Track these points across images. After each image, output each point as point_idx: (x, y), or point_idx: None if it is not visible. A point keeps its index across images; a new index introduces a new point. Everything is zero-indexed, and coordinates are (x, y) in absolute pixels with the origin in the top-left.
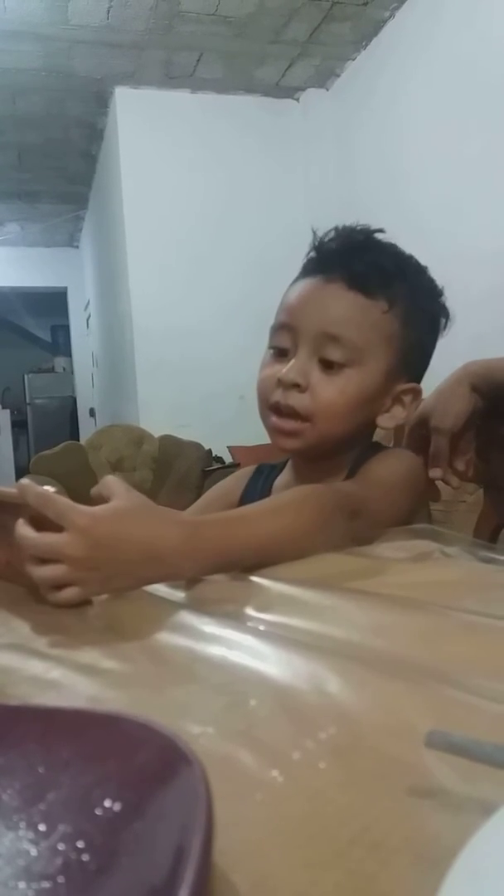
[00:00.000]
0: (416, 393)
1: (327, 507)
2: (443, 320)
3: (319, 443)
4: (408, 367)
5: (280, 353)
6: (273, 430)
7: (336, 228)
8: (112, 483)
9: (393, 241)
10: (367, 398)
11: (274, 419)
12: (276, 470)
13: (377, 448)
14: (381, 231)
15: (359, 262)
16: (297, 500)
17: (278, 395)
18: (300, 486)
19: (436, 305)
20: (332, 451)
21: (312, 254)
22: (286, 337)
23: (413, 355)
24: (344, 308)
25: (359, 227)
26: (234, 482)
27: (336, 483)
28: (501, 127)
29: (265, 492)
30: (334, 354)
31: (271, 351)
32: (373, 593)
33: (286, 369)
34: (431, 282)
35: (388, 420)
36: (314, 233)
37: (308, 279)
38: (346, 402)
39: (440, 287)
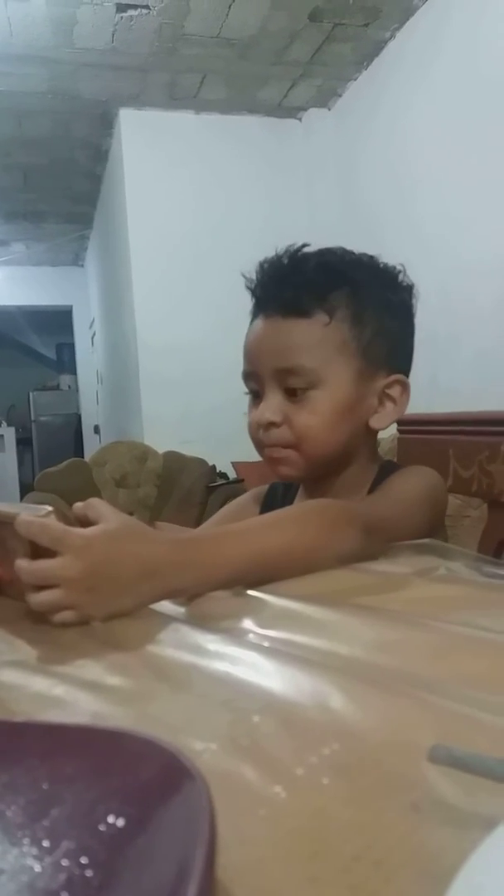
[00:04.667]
0: (403, 384)
1: (335, 522)
2: (405, 301)
3: (312, 465)
4: (379, 361)
5: (255, 396)
6: (268, 462)
7: (261, 264)
8: (98, 505)
9: (330, 247)
10: (343, 409)
11: (266, 451)
12: (292, 488)
13: (396, 466)
14: (305, 245)
15: (285, 288)
16: (301, 514)
17: (263, 437)
18: (307, 501)
19: (387, 290)
20: (335, 468)
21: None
22: (252, 382)
23: (378, 348)
24: (286, 338)
25: (281, 254)
26: (250, 501)
27: (353, 500)
28: (502, 143)
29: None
30: (296, 382)
31: (249, 395)
32: (377, 609)
33: (258, 412)
34: (378, 269)
35: (381, 419)
36: (244, 276)
37: (255, 322)
38: (322, 422)
39: (394, 267)
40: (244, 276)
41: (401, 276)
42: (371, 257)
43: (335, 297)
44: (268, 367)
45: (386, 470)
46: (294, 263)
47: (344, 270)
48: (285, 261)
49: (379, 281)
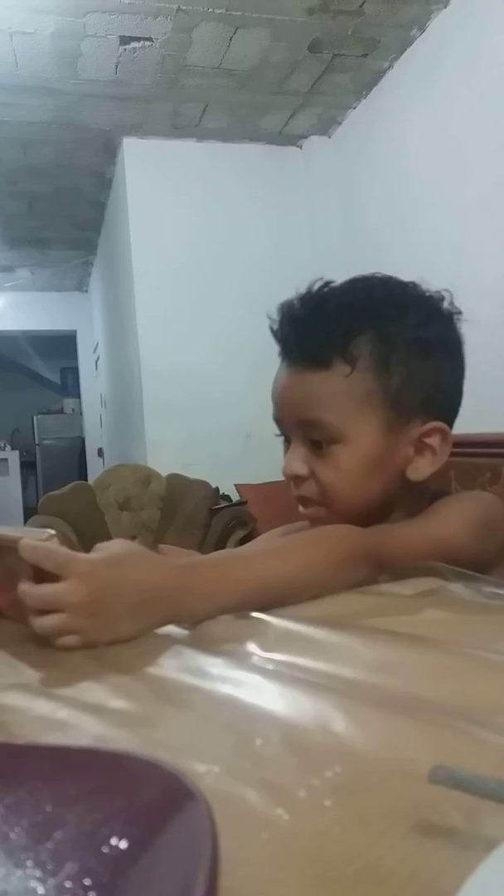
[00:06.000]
0: (443, 433)
1: (347, 554)
2: (440, 333)
3: (345, 520)
4: (411, 410)
5: (286, 440)
6: (305, 520)
7: (281, 306)
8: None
9: (356, 277)
10: (371, 464)
11: (301, 509)
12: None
13: (445, 494)
14: (329, 283)
15: (303, 337)
16: (311, 544)
17: (292, 488)
18: (318, 528)
19: (420, 328)
20: (374, 517)
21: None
22: (281, 427)
23: (410, 396)
24: (306, 390)
25: (303, 294)
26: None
27: (380, 527)
28: (498, 167)
29: None
30: (319, 436)
31: (282, 438)
32: (378, 631)
33: (286, 462)
34: (409, 303)
35: (418, 471)
36: (269, 318)
37: (280, 367)
38: (348, 478)
39: (431, 297)
40: (269, 317)
41: (443, 305)
42: (405, 287)
43: (357, 345)
44: (291, 417)
45: (435, 500)
46: (314, 307)
47: (367, 312)
48: (305, 304)
49: (410, 318)
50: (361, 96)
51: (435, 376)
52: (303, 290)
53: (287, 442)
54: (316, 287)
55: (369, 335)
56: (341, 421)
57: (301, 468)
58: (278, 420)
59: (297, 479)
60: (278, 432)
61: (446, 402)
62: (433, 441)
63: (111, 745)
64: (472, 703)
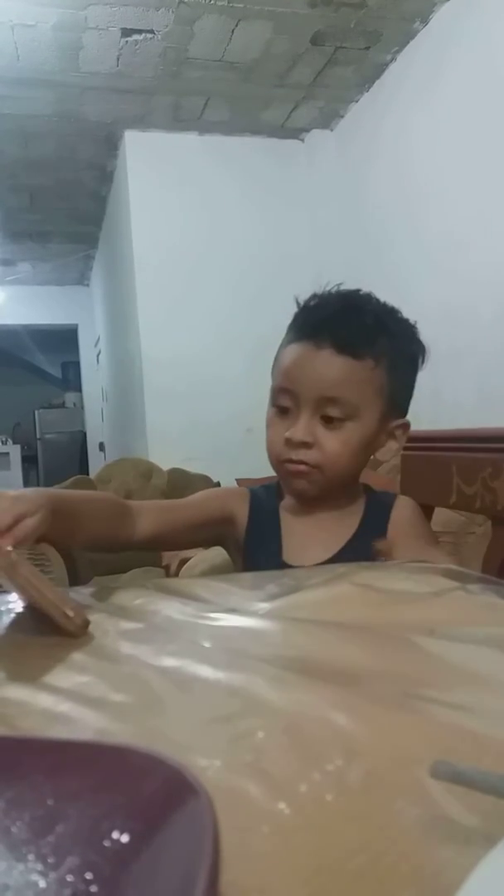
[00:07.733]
0: (406, 427)
1: None
2: (420, 357)
3: (329, 485)
4: (398, 407)
5: (282, 411)
6: (288, 474)
7: (315, 294)
8: None
9: (367, 292)
10: (366, 443)
11: (288, 465)
12: (271, 491)
13: (373, 491)
14: (357, 291)
15: (344, 327)
16: None
17: (289, 453)
18: None
19: (414, 346)
20: (339, 488)
21: (299, 318)
22: (287, 398)
23: (400, 396)
24: (337, 373)
25: (337, 291)
26: (237, 500)
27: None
28: (503, 161)
29: (273, 515)
30: (334, 412)
31: (274, 409)
32: (385, 626)
33: (293, 430)
34: (407, 323)
35: (384, 454)
36: (296, 300)
37: (299, 344)
38: (350, 451)
39: (414, 324)
40: (297, 299)
41: (418, 334)
42: (396, 310)
43: (380, 345)
44: (312, 392)
45: (377, 500)
46: (351, 304)
47: (386, 322)
48: (342, 301)
49: (408, 334)
50: (364, 89)
51: (412, 384)
52: (329, 288)
53: (282, 412)
54: (345, 291)
55: (386, 341)
56: (360, 402)
57: (310, 437)
58: (288, 392)
59: (299, 446)
60: (274, 405)
61: (408, 405)
62: (398, 432)
63: (113, 739)
64: (475, 699)
